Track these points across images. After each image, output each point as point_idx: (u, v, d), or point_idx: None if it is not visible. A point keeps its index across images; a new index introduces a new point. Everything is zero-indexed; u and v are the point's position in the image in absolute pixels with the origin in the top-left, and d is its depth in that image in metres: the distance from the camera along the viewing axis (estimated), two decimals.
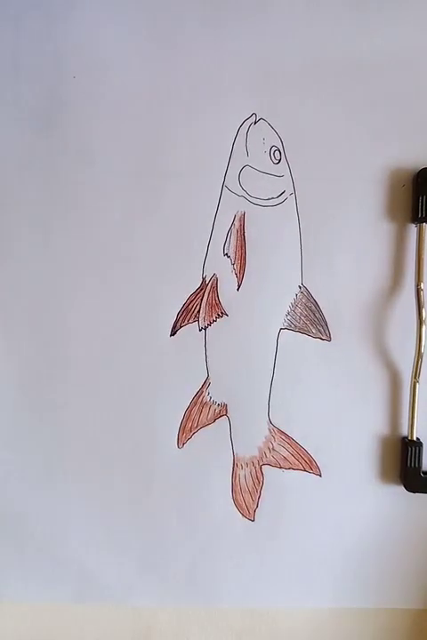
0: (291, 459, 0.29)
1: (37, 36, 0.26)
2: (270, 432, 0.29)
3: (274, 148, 0.27)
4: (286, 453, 0.29)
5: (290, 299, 0.28)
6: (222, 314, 0.28)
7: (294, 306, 0.28)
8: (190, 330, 0.28)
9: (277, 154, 0.27)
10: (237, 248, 0.28)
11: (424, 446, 0.28)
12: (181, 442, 0.29)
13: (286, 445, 0.29)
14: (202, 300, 0.28)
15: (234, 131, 0.27)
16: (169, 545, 0.29)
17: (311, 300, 0.28)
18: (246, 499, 0.29)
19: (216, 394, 0.28)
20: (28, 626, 0.30)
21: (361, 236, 0.27)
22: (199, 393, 0.28)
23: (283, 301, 0.28)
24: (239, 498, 0.29)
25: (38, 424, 0.29)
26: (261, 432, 0.29)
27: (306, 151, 0.27)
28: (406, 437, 0.28)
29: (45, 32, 0.26)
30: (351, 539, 0.29)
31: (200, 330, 0.28)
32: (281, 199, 0.27)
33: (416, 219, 0.27)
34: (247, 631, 0.30)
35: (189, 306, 0.28)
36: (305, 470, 0.29)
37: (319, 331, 0.28)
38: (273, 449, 0.29)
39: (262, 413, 0.29)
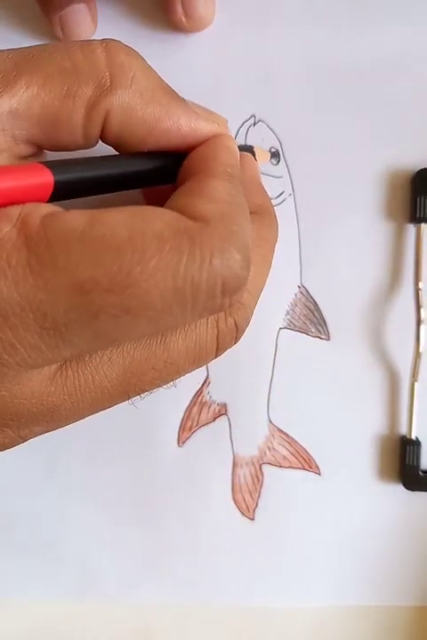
0: (290, 457, 0.29)
1: (39, 37, 0.27)
2: (270, 431, 0.29)
3: (273, 150, 0.27)
4: (285, 452, 0.29)
5: (289, 298, 0.28)
6: None
7: (294, 305, 0.28)
8: None
9: (276, 155, 0.27)
10: None
11: (423, 445, 0.28)
12: (181, 440, 0.29)
13: (286, 444, 0.29)
14: None
15: (233, 132, 0.27)
16: (168, 543, 0.29)
17: (310, 299, 0.28)
18: (246, 497, 0.29)
19: (216, 393, 0.29)
20: (28, 624, 0.30)
21: (360, 236, 0.28)
22: (199, 392, 0.29)
23: (282, 301, 0.28)
24: (239, 497, 0.29)
25: None
26: (261, 431, 0.29)
27: (305, 152, 0.27)
28: (405, 436, 0.28)
29: (47, 32, 0.27)
30: (351, 536, 0.29)
31: None
32: (280, 200, 0.28)
33: (415, 219, 0.27)
34: (247, 630, 0.30)
35: None
36: (304, 469, 0.29)
37: (318, 330, 0.28)
38: (273, 448, 0.29)
39: (262, 412, 0.29)
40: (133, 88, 0.18)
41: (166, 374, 0.18)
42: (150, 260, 0.13)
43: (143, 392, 0.18)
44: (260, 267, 0.20)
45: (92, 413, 0.17)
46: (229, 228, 0.15)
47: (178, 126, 0.19)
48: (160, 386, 0.18)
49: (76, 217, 0.14)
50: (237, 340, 0.19)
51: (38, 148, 0.18)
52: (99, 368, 0.16)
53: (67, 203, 0.17)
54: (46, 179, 0.16)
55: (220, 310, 0.16)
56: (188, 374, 0.28)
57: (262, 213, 0.21)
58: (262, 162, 0.26)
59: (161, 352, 0.17)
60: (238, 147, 0.23)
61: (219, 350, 0.19)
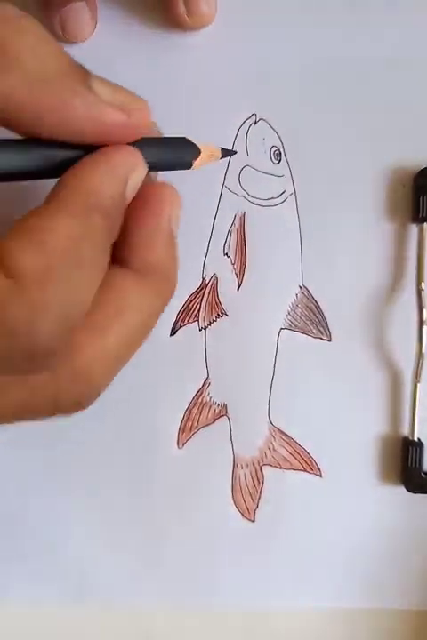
0: (291, 459, 0.29)
1: None
2: (271, 432, 0.29)
3: (274, 149, 0.27)
4: (286, 454, 0.29)
5: (290, 299, 0.28)
6: (223, 314, 0.28)
7: (295, 306, 0.28)
8: (190, 330, 0.28)
9: (278, 154, 0.27)
10: (237, 248, 0.28)
11: (425, 447, 0.28)
12: (181, 442, 0.29)
13: (287, 446, 0.29)
14: (202, 299, 0.28)
15: (234, 131, 0.27)
16: (169, 545, 0.29)
17: (312, 300, 0.28)
18: (247, 499, 0.29)
19: (216, 394, 0.28)
20: (28, 626, 0.30)
21: (361, 236, 0.27)
22: (199, 393, 0.28)
23: (283, 301, 0.28)
24: (239, 498, 0.29)
25: (38, 423, 0.29)
26: (262, 432, 0.29)
27: (306, 151, 0.27)
28: (407, 438, 0.28)
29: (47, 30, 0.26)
30: (352, 539, 0.29)
31: (200, 330, 0.28)
32: (281, 199, 0.27)
33: (417, 219, 0.27)
34: (248, 632, 0.30)
35: (189, 306, 0.28)
36: (305, 470, 0.29)
37: (320, 331, 0.28)
38: (273, 449, 0.29)
39: (263, 414, 0.29)
40: (18, 71, 0.15)
41: None
42: None
43: None
44: (122, 341, 0.17)
45: None
46: (47, 293, 0.13)
47: (74, 115, 0.16)
48: None
49: None
50: (82, 407, 0.18)
51: None
52: None
53: None
54: None
55: (30, 373, 0.15)
56: (188, 375, 0.28)
57: (150, 276, 0.18)
58: (209, 161, 0.21)
59: None
60: (165, 139, 0.19)
61: (58, 412, 0.17)
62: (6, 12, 0.15)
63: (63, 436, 0.29)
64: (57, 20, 0.25)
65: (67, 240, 0.14)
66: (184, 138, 0.20)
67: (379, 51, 0.26)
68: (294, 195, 0.27)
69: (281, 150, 0.27)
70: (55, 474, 0.29)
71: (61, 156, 0.16)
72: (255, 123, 0.27)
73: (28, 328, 0.13)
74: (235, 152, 0.25)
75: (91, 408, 0.28)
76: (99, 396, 0.18)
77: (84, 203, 0.15)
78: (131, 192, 0.17)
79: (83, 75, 0.16)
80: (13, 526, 0.30)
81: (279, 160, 0.27)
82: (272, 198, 0.27)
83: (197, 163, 0.20)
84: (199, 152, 0.20)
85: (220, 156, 0.21)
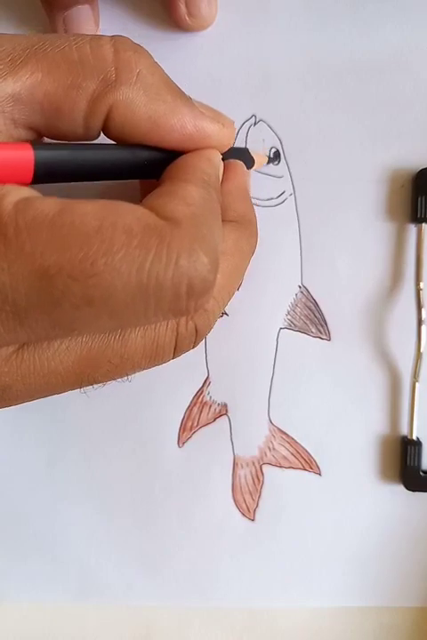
0: (291, 458, 0.29)
1: None
2: (271, 431, 0.29)
3: (274, 149, 0.27)
4: (286, 453, 0.29)
5: (290, 298, 0.28)
6: (223, 313, 0.28)
7: (294, 305, 0.28)
8: None
9: (277, 155, 0.27)
10: None
11: (424, 446, 0.28)
12: (181, 441, 0.29)
13: (286, 445, 0.29)
14: None
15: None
16: (169, 544, 0.29)
17: (311, 299, 0.28)
18: (247, 498, 0.29)
19: (216, 393, 0.29)
20: (28, 626, 0.30)
21: (361, 236, 0.28)
22: (199, 392, 0.29)
23: (283, 301, 0.28)
24: (239, 497, 0.29)
25: (38, 423, 0.29)
26: (262, 431, 0.29)
27: (305, 152, 0.27)
28: (406, 437, 0.28)
29: (49, 32, 0.27)
30: (351, 537, 0.29)
31: None
32: (281, 200, 0.28)
33: (416, 219, 0.27)
34: (248, 631, 0.30)
35: None
36: (305, 469, 0.29)
37: (319, 330, 0.28)
38: (273, 448, 0.29)
39: (263, 413, 0.29)
40: (138, 85, 0.18)
41: (121, 369, 0.18)
42: (117, 253, 0.13)
43: (96, 383, 0.18)
44: (230, 276, 0.20)
45: (44, 397, 0.18)
46: (199, 231, 0.15)
47: (182, 125, 0.19)
48: (114, 379, 0.19)
49: (48, 204, 0.14)
50: (195, 344, 0.20)
51: (38, 135, 0.18)
52: (55, 355, 0.16)
53: (73, 193, 0.17)
54: (27, 154, 0.16)
55: (184, 313, 0.16)
56: (188, 374, 0.28)
57: (243, 223, 0.21)
58: (259, 166, 0.26)
59: (119, 347, 0.17)
60: (234, 149, 0.23)
61: (176, 352, 0.19)
62: (126, 40, 0.18)
63: (64, 436, 0.29)
64: (60, 23, 0.25)
65: (200, 199, 0.17)
66: (246, 149, 0.26)
67: (378, 51, 0.27)
68: (293, 195, 0.28)
69: (280, 151, 0.27)
70: (55, 474, 0.29)
71: (149, 157, 0.20)
72: (255, 124, 0.27)
73: (189, 255, 0.15)
74: (276, 159, 0.27)
75: (91, 408, 0.29)
76: (211, 330, 0.20)
77: (202, 178, 0.18)
78: (220, 177, 0.21)
79: (184, 93, 0.20)
80: (13, 526, 0.30)
81: (279, 161, 0.27)
82: (272, 199, 0.28)
83: (252, 168, 0.25)
84: (254, 161, 0.25)
85: (265, 162, 0.27)
